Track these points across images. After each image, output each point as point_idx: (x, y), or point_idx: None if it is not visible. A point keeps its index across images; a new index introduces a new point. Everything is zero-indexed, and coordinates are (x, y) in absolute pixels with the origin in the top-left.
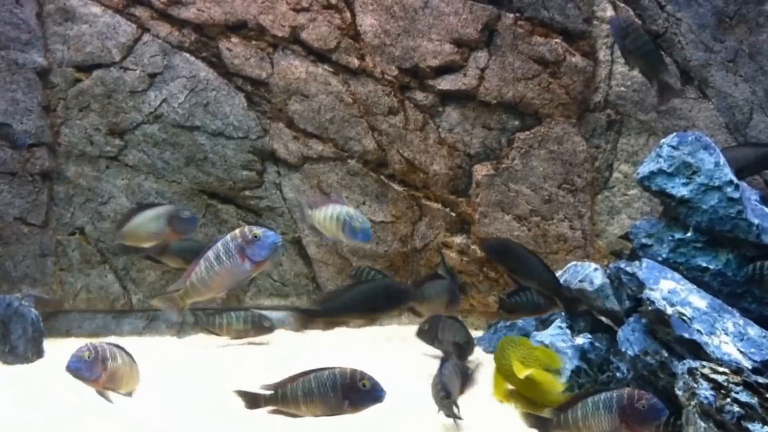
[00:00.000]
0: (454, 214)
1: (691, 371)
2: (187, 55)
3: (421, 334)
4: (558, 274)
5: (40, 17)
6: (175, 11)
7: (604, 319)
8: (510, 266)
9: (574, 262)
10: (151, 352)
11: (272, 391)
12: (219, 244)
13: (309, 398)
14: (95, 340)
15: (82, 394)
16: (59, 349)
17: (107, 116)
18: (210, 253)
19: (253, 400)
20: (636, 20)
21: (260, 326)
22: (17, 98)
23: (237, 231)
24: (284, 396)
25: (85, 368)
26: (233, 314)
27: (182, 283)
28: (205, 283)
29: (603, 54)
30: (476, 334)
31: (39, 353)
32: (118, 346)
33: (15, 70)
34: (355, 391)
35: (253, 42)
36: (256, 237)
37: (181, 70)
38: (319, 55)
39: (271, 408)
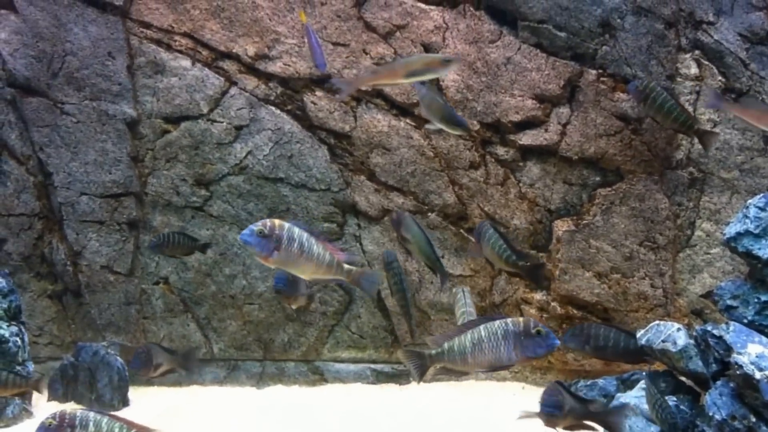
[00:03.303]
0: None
1: None
2: (273, 108)
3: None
4: (640, 333)
5: (131, 70)
6: (262, 65)
7: (685, 380)
8: (402, 237)
9: (656, 322)
10: (232, 402)
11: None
12: (496, 326)
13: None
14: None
15: None
16: (143, 398)
17: (194, 167)
18: (482, 332)
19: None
20: (655, 82)
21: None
22: (107, 148)
23: (521, 320)
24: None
25: None
26: None
27: (439, 343)
28: (464, 357)
29: None
30: None
31: (125, 401)
32: (100, 412)
33: (105, 120)
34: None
35: (337, 96)
36: (539, 333)
37: (267, 123)
38: (401, 109)
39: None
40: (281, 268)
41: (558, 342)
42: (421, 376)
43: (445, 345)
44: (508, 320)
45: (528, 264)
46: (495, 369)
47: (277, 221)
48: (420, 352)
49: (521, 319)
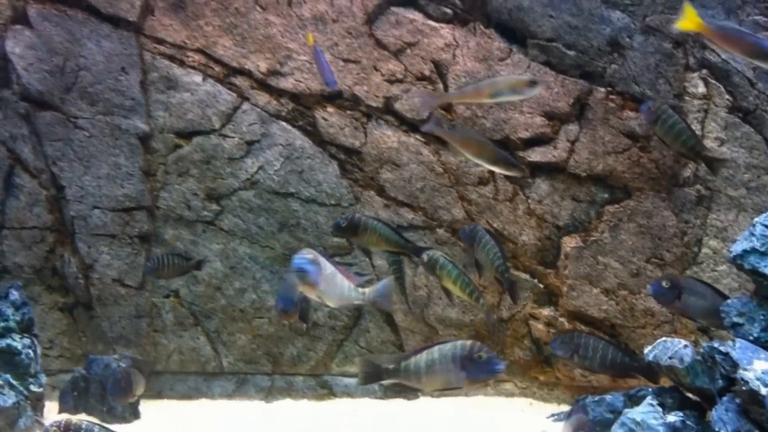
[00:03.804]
0: (542, 286)
1: None
2: (284, 123)
3: None
4: (647, 350)
5: (144, 85)
6: (273, 81)
7: (691, 396)
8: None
9: (663, 338)
10: (240, 415)
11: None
12: (447, 348)
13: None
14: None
15: None
16: (153, 411)
17: (205, 182)
18: (435, 352)
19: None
20: (667, 104)
21: None
22: (119, 162)
23: (469, 344)
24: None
25: None
26: None
27: (399, 359)
28: (418, 376)
29: (694, 129)
30: (562, 408)
31: (136, 414)
32: (105, 427)
33: (118, 135)
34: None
35: (348, 112)
36: (481, 358)
37: (278, 138)
38: (411, 125)
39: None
40: (319, 297)
41: (502, 367)
42: (366, 383)
43: (402, 363)
44: (458, 343)
45: (511, 279)
46: (445, 389)
47: (312, 250)
48: (377, 364)
49: (469, 342)
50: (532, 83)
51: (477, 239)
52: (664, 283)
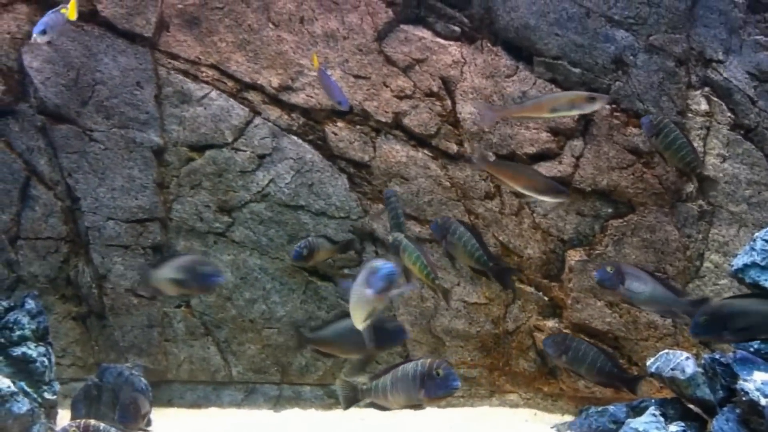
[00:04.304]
0: (546, 298)
1: None
2: (295, 137)
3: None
4: (650, 362)
5: (158, 99)
6: (285, 96)
7: (693, 407)
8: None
9: (665, 351)
10: (249, 424)
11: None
12: (410, 367)
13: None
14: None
15: None
16: (163, 419)
17: (217, 194)
18: (399, 371)
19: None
20: (669, 119)
21: None
22: (134, 175)
23: (428, 361)
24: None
25: None
26: None
27: (372, 378)
28: (386, 395)
29: (696, 146)
30: (566, 419)
31: (147, 423)
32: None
33: (133, 148)
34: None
35: (357, 126)
36: (439, 375)
37: (289, 152)
38: (419, 140)
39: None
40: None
41: (458, 384)
42: (349, 406)
43: (373, 382)
44: (420, 362)
45: (497, 266)
46: (409, 407)
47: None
48: (354, 385)
49: (429, 360)
50: (591, 99)
51: (451, 231)
52: (608, 269)
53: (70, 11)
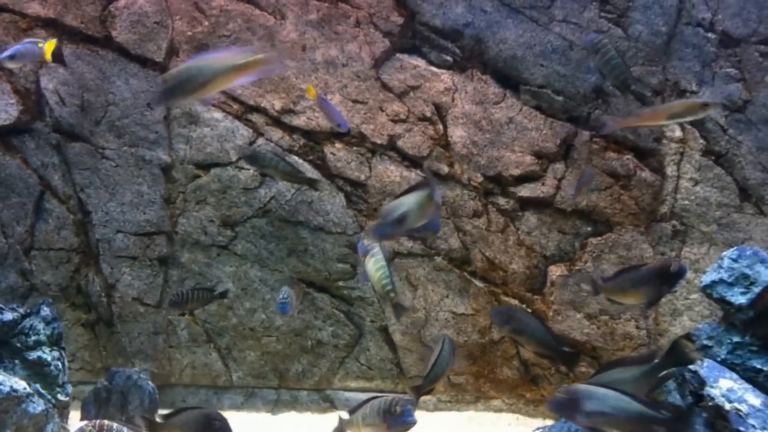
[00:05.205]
0: (529, 310)
1: None
2: (296, 157)
3: None
4: None
5: (167, 120)
6: (287, 119)
7: None
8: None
9: None
10: (248, 427)
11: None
12: (376, 403)
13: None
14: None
15: None
16: None
17: (221, 209)
18: (368, 407)
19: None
20: (607, 39)
21: None
22: (142, 191)
23: (390, 398)
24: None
25: None
26: None
27: (351, 410)
28: (359, 428)
29: (670, 170)
30: (547, 422)
31: None
32: (134, 428)
33: (142, 165)
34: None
35: (354, 148)
36: (397, 412)
37: None
38: (412, 161)
39: None
40: None
41: (413, 419)
42: None
43: (351, 416)
44: (384, 399)
45: (566, 352)
46: None
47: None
48: (341, 419)
49: (390, 398)
50: (704, 105)
51: (514, 319)
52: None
53: (47, 52)
